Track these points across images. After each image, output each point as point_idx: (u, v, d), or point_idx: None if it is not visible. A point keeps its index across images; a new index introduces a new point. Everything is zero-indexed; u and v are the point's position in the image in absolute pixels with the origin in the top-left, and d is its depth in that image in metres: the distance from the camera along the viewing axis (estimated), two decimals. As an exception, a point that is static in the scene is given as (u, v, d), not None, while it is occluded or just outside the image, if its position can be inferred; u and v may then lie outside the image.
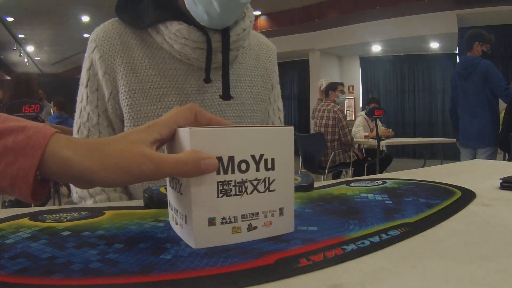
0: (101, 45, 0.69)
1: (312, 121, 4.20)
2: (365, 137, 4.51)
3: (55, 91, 6.02)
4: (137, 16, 0.71)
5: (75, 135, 0.72)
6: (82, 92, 0.72)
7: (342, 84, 4.19)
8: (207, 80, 0.70)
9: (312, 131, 4.30)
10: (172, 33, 0.67)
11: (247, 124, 0.77)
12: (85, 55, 0.73)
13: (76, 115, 0.73)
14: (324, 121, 3.87)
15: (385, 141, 4.12)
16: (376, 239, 0.35)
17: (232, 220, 0.34)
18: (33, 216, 0.46)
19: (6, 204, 2.83)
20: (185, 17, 0.68)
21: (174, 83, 0.71)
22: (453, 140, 5.20)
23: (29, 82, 2.93)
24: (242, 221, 0.35)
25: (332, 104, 3.93)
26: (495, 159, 3.27)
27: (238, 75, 0.78)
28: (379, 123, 4.67)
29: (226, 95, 0.71)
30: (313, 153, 3.81)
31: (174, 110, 0.37)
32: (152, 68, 0.70)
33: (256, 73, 0.81)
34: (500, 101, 2.97)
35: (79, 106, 0.73)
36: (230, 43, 0.70)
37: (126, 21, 0.71)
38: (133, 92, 0.69)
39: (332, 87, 4.07)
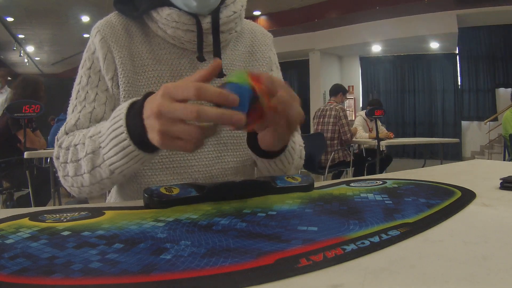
0: (103, 30, 0.72)
1: (312, 121, 4.24)
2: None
3: (55, 91, 6.03)
4: (132, 6, 0.74)
5: (69, 115, 0.72)
6: (83, 73, 0.73)
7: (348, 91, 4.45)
8: (200, 58, 0.72)
9: (312, 131, 4.31)
10: (164, 18, 0.70)
11: None
12: (88, 42, 0.75)
13: (73, 96, 0.73)
14: (326, 119, 3.92)
15: (385, 141, 4.13)
16: (376, 239, 0.35)
17: None
18: (33, 216, 0.46)
19: (7, 204, 2.84)
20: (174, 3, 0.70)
21: (169, 66, 0.73)
22: (453, 140, 5.22)
23: (36, 86, 2.93)
24: None
25: (335, 103, 4.00)
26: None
27: (232, 60, 0.79)
28: (378, 123, 4.70)
29: (218, 72, 0.73)
30: (313, 153, 3.81)
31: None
32: (148, 53, 0.73)
33: (250, 59, 0.82)
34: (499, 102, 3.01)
35: (76, 88, 0.73)
36: (221, 25, 0.72)
37: (124, 12, 0.74)
38: (131, 74, 0.71)
39: (343, 90, 4.26)
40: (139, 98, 0.53)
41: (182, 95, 0.44)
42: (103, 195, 0.80)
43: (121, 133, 0.53)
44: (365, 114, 4.53)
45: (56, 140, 0.69)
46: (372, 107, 4.48)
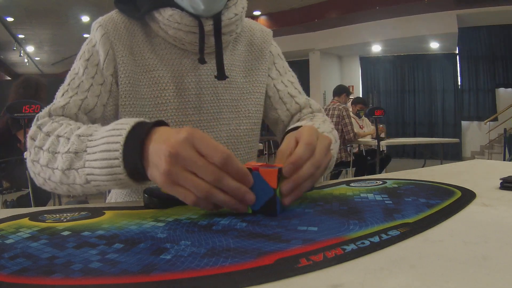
0: (106, 25, 0.71)
1: None
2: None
3: (55, 91, 6.01)
4: (134, 7, 0.73)
5: (57, 98, 0.68)
6: (80, 64, 0.71)
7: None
8: (201, 60, 0.71)
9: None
10: (166, 18, 0.70)
11: (243, 107, 0.78)
12: (89, 36, 0.74)
13: (65, 83, 0.70)
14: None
15: (385, 141, 4.14)
16: (376, 239, 0.35)
17: None
18: (33, 216, 0.46)
19: (7, 203, 2.84)
20: (178, 4, 0.70)
21: (170, 66, 0.73)
22: (453, 140, 5.23)
23: (38, 87, 2.92)
24: None
25: (338, 103, 4.02)
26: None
27: (232, 60, 0.79)
28: (366, 120, 4.74)
29: (220, 75, 0.73)
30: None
31: None
32: (150, 52, 0.73)
33: (250, 58, 0.82)
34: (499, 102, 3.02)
35: (71, 75, 0.70)
36: (222, 27, 0.72)
37: (125, 12, 0.74)
38: (132, 73, 0.71)
39: (347, 92, 4.31)
40: (146, 120, 0.50)
41: (207, 152, 0.42)
42: (103, 195, 0.80)
43: (116, 150, 0.47)
44: (364, 115, 4.57)
45: (36, 119, 0.63)
46: (357, 106, 4.58)
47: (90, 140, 0.52)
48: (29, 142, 0.59)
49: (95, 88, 0.69)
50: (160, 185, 0.44)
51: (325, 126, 0.75)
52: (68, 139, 0.54)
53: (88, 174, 0.51)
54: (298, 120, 0.82)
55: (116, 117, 0.71)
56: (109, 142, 0.48)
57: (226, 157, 0.42)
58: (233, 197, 0.43)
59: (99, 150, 0.49)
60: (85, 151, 0.51)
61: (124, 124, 0.49)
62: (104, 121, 0.69)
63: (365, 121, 4.75)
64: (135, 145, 0.46)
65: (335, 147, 0.73)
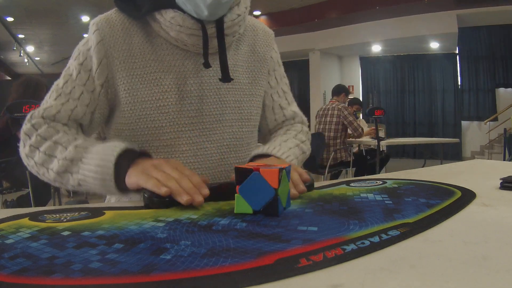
0: (103, 29, 0.70)
1: (315, 120, 4.24)
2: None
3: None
4: (134, 6, 0.72)
5: (50, 98, 0.71)
6: (74, 66, 0.72)
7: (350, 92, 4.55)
8: (207, 65, 0.71)
9: (313, 131, 4.31)
10: (167, 20, 0.69)
11: (246, 109, 0.80)
12: (86, 36, 0.74)
13: (60, 81, 0.72)
14: (328, 119, 3.92)
15: (385, 141, 4.13)
16: (376, 239, 0.35)
17: None
18: (33, 216, 0.46)
19: (7, 203, 2.83)
20: (179, 6, 0.69)
21: (172, 67, 0.72)
22: (453, 140, 5.23)
23: (38, 87, 2.92)
24: None
25: (337, 103, 4.00)
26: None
27: (235, 60, 0.78)
28: (363, 121, 4.73)
29: (225, 77, 0.72)
30: (313, 152, 3.80)
31: None
32: (150, 53, 0.72)
33: (252, 59, 0.82)
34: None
35: (66, 76, 0.72)
36: (225, 29, 0.71)
37: (125, 11, 0.73)
38: (131, 77, 0.70)
39: (346, 91, 4.28)
40: (135, 148, 0.62)
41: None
42: (103, 195, 0.80)
43: (109, 167, 0.58)
44: (363, 116, 4.58)
45: (30, 116, 0.68)
46: (354, 107, 4.59)
47: (86, 152, 0.62)
48: (23, 137, 0.67)
49: (85, 96, 0.71)
50: (134, 176, 0.55)
51: (287, 144, 0.78)
52: (66, 148, 0.63)
53: (80, 179, 0.61)
54: (279, 130, 0.87)
55: (103, 123, 0.76)
56: (103, 159, 0.59)
57: (192, 172, 0.57)
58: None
59: (94, 165, 0.60)
60: (81, 161, 0.61)
61: (116, 147, 0.60)
62: (92, 126, 0.74)
63: (362, 122, 4.75)
64: (124, 163, 0.59)
65: (294, 161, 0.77)
